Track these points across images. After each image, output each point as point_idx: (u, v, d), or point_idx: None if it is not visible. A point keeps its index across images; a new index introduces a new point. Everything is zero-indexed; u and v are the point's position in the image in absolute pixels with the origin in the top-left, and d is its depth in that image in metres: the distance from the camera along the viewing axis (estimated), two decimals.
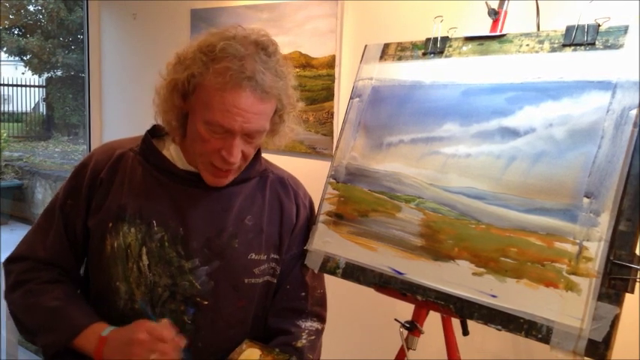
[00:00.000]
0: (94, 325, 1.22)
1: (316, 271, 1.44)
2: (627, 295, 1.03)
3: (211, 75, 1.16)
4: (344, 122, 1.56)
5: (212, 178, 1.27)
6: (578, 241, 1.10)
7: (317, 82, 2.25)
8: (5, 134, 8.13)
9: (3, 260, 1.35)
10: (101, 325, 1.22)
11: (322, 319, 1.43)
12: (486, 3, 1.44)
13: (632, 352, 1.51)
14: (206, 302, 1.27)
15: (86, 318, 1.23)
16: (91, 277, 1.32)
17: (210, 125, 1.19)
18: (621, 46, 1.15)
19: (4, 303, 1.32)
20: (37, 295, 1.26)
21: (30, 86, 8.86)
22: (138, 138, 1.36)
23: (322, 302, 1.45)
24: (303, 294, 1.40)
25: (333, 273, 1.42)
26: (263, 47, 1.21)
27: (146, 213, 1.27)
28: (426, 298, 1.27)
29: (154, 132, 1.37)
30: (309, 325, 1.38)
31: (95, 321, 1.23)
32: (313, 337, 1.37)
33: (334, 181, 1.51)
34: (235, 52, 1.17)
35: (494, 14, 1.43)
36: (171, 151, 1.33)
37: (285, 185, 1.43)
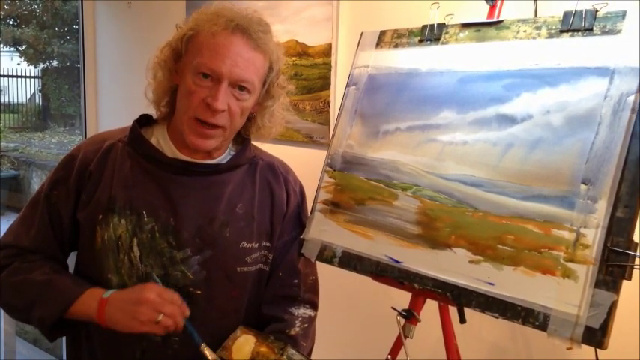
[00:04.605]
0: (91, 290, 1.22)
1: (313, 260, 1.44)
2: (625, 282, 1.03)
3: (205, 21, 1.22)
4: (340, 110, 1.55)
5: (195, 139, 1.24)
6: (575, 228, 1.09)
7: (313, 71, 2.23)
8: (1, 125, 8.10)
9: None
10: (98, 289, 1.22)
11: (315, 306, 1.43)
12: None
13: (632, 339, 1.51)
14: (199, 292, 1.26)
15: (79, 285, 1.23)
16: (82, 271, 1.31)
17: (199, 69, 1.20)
18: (619, 31, 1.14)
19: None
20: (25, 273, 1.25)
21: (26, 77, 8.81)
22: (127, 128, 1.35)
23: (314, 289, 1.45)
24: (296, 281, 1.40)
25: (329, 262, 1.42)
26: (257, 21, 1.26)
27: (136, 204, 1.26)
28: (423, 287, 1.27)
29: (142, 121, 1.36)
30: (302, 312, 1.38)
31: (90, 286, 1.23)
32: (306, 325, 1.37)
33: (330, 169, 1.50)
34: (230, 13, 1.24)
35: (491, 0, 1.42)
36: (160, 140, 1.32)
37: (275, 172, 1.42)
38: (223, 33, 1.20)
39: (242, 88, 1.23)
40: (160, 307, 1.15)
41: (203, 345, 1.20)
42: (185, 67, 1.24)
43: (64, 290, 1.22)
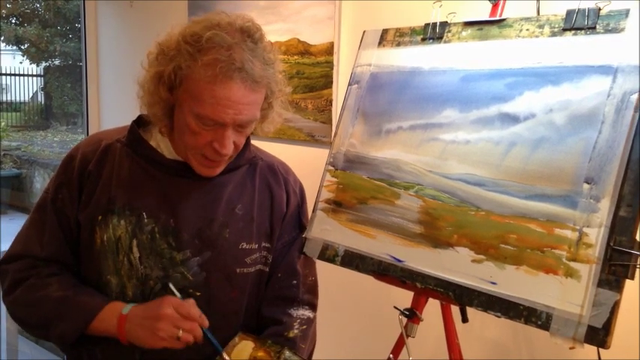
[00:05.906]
0: (110, 305, 1.21)
1: (315, 259, 1.44)
2: (627, 281, 1.02)
3: (200, 67, 1.13)
4: (342, 109, 1.55)
5: (203, 169, 1.25)
6: (578, 227, 1.09)
7: (315, 70, 2.23)
8: (4, 124, 8.11)
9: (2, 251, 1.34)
10: (117, 304, 1.21)
11: (314, 307, 1.42)
12: None
13: (633, 338, 1.51)
14: (199, 293, 1.26)
15: (98, 300, 1.22)
16: (82, 272, 1.30)
17: (201, 118, 1.16)
18: (622, 29, 1.14)
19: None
20: (41, 289, 1.24)
21: (28, 75, 8.81)
22: (124, 128, 1.34)
23: (314, 290, 1.44)
24: (295, 282, 1.39)
25: (332, 261, 1.42)
26: (249, 34, 1.18)
27: (136, 205, 1.25)
28: (425, 286, 1.26)
29: (140, 121, 1.35)
30: (301, 313, 1.37)
31: (108, 302, 1.22)
32: (305, 327, 1.36)
33: (333, 168, 1.50)
34: (222, 42, 1.14)
35: None
36: (159, 141, 1.31)
37: (275, 172, 1.41)
38: (222, 82, 1.13)
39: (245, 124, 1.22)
40: (178, 322, 1.14)
41: (224, 354, 1.21)
42: (183, 102, 1.18)
43: (83, 307, 1.21)
